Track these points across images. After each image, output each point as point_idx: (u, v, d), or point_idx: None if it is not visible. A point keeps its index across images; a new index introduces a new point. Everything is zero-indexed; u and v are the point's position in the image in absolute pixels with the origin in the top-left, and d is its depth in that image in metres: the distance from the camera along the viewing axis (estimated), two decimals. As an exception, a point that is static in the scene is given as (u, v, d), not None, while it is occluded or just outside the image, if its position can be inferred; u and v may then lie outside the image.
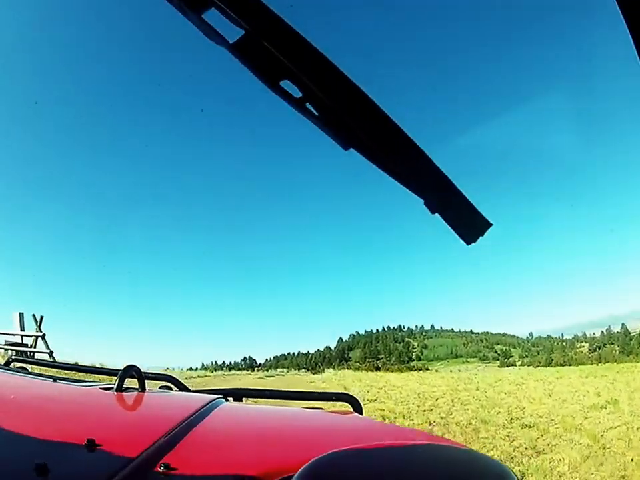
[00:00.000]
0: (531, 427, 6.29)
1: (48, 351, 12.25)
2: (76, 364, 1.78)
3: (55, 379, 1.05)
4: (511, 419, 6.78)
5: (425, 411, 7.55)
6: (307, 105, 0.54)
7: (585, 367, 16.97)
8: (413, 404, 8.22)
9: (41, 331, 12.50)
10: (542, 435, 5.84)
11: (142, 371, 0.95)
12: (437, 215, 0.57)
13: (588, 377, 11.93)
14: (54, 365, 1.78)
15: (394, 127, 0.54)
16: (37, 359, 2.51)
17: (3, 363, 1.36)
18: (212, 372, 24.78)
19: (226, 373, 24.38)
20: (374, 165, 0.56)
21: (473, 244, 0.58)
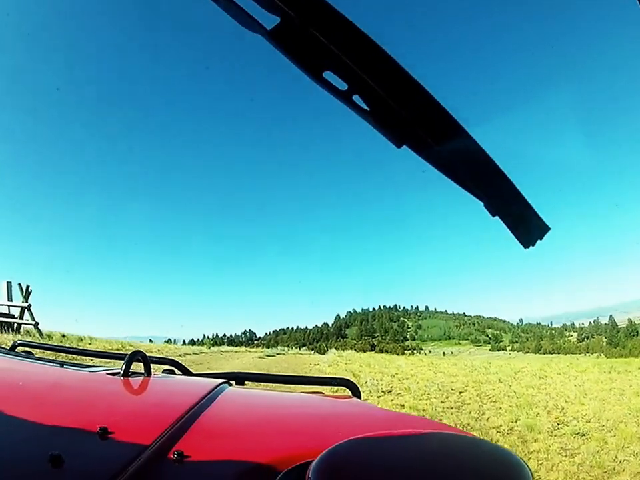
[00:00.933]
0: (584, 435, 5.35)
1: (33, 322, 11.55)
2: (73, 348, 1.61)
3: (62, 364, 1.05)
4: (557, 423, 5.84)
5: (451, 408, 6.61)
6: (355, 97, 0.49)
7: (604, 361, 16.12)
8: (435, 398, 7.29)
9: (27, 302, 11.67)
10: (602, 448, 4.90)
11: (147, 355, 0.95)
12: (496, 217, 0.55)
13: (611, 372, 11.08)
14: (59, 348, 1.65)
15: (453, 122, 0.50)
16: (42, 343, 2.31)
17: (8, 348, 1.33)
18: (208, 348, 23.87)
19: (223, 350, 23.31)
20: (429, 164, 0.52)
21: (531, 247, 0.56)
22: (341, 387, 1.21)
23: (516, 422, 5.84)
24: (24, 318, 11.56)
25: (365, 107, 0.50)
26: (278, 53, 0.47)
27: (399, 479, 0.39)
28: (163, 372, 1.21)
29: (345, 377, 1.24)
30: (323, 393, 1.13)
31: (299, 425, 0.72)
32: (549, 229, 0.56)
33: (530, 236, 0.56)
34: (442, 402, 7.03)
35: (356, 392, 1.14)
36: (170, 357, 1.41)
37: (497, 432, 5.47)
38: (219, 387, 0.86)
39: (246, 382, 1.23)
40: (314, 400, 0.99)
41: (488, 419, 6.06)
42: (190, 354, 14.25)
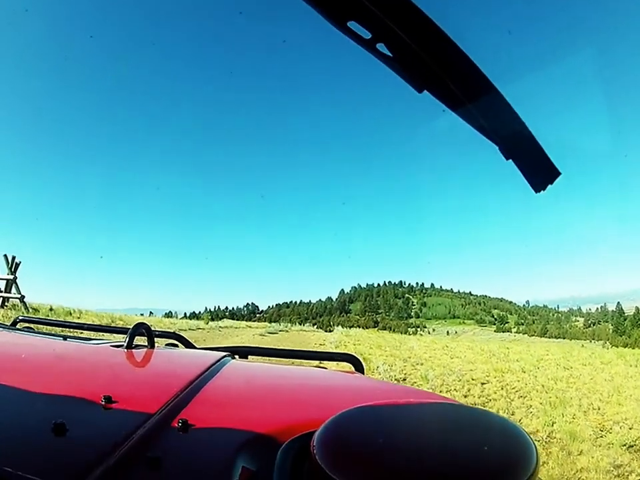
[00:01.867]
0: (631, 447, 4.61)
1: (19, 295, 10.99)
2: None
3: (65, 337, 1.06)
4: (600, 430, 5.11)
5: (476, 405, 5.89)
6: (378, 45, 0.51)
7: (627, 351, 15.33)
8: (456, 391, 6.60)
9: (13, 274, 11.06)
10: (660, 465, 4.15)
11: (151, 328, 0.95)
12: (510, 161, 0.57)
13: (637, 365, 10.31)
14: (61, 323, 1.62)
15: (473, 67, 0.51)
16: (43, 318, 1.76)
17: (9, 324, 1.34)
18: (206, 323, 22.97)
19: (222, 325, 22.38)
20: (447, 108, 0.54)
21: (542, 192, 0.58)
22: (345, 363, 1.22)
23: (552, 426, 5.13)
24: (11, 291, 10.99)
25: (389, 54, 0.52)
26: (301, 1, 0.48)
27: (402, 446, 0.39)
28: (166, 345, 1.24)
29: (348, 353, 1.27)
30: (326, 368, 1.15)
31: (302, 396, 0.72)
32: (560, 173, 0.57)
33: (541, 180, 0.58)
34: (464, 396, 6.34)
35: (359, 367, 1.17)
36: (174, 332, 1.42)
37: (535, 439, 4.76)
38: (223, 360, 0.87)
39: (249, 356, 1.25)
40: (317, 373, 1.01)
41: (520, 420, 5.35)
42: (185, 329, 13.63)
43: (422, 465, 0.36)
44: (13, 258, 11.31)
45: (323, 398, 0.72)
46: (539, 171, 0.57)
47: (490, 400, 6.21)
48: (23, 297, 10.97)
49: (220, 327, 20.79)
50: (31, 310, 10.86)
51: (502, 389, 6.93)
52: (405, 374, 7.77)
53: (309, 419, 0.53)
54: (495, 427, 0.42)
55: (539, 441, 4.71)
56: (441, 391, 6.47)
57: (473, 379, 7.53)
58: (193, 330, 14.10)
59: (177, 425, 0.50)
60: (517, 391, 6.78)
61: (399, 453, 0.38)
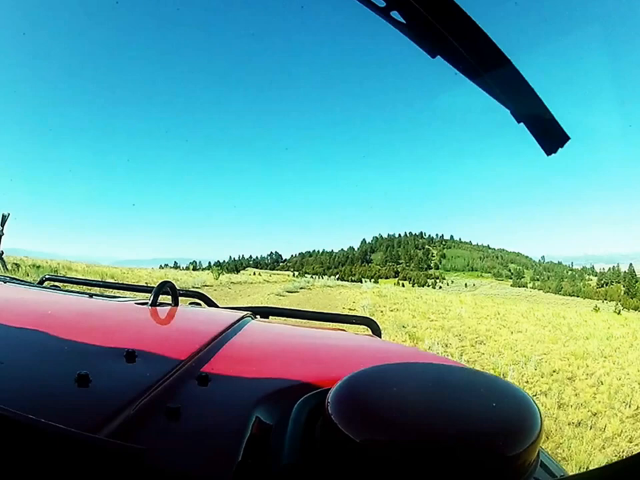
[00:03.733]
0: None
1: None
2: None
3: (90, 295, 1.08)
4: None
5: (577, 425, 4.42)
6: (392, 13, 0.54)
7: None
8: (545, 396, 5.16)
9: (1, 229, 9.89)
10: None
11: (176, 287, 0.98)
12: (521, 124, 0.59)
13: None
14: (87, 282, 1.59)
15: (482, 35, 0.54)
16: (69, 277, 1.73)
17: (37, 282, 1.41)
18: (216, 278, 20.44)
19: (234, 281, 20.09)
20: (460, 73, 0.56)
21: (553, 154, 0.60)
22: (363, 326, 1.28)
23: None
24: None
25: (403, 21, 0.54)
26: None
27: (411, 405, 0.40)
28: (189, 304, 1.28)
29: (366, 316, 1.33)
30: (345, 330, 1.14)
31: (319, 356, 0.74)
32: (569, 138, 0.59)
33: (552, 144, 0.59)
34: (558, 404, 4.87)
35: (377, 331, 1.22)
36: (198, 291, 1.48)
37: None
38: (244, 319, 0.89)
39: (270, 316, 1.29)
40: (335, 334, 1.00)
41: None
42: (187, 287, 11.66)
43: (428, 422, 0.37)
44: (3, 216, 10.14)
45: (338, 358, 0.74)
46: (549, 134, 0.59)
47: (594, 414, 4.74)
48: (1, 252, 9.99)
49: (232, 282, 18.28)
50: (11, 266, 9.78)
51: (595, 388, 5.51)
52: (469, 359, 6.49)
53: (325, 377, 0.55)
54: (501, 391, 0.43)
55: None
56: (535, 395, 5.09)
57: (554, 371, 6.18)
58: (197, 288, 11.34)
59: (196, 379, 0.52)
60: (618, 394, 5.31)
61: (407, 411, 0.39)
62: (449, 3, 0.51)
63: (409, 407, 0.39)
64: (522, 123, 0.59)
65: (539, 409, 0.40)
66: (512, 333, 9.07)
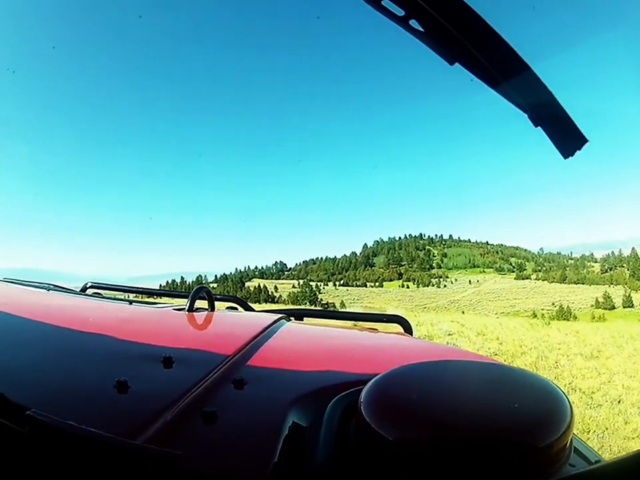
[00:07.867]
0: None
1: None
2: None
3: (130, 302, 1.10)
4: None
5: None
6: (411, 22, 0.54)
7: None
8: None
9: None
10: None
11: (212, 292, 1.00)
12: (539, 128, 0.58)
13: None
14: (126, 289, 1.65)
15: (499, 40, 0.54)
16: (111, 284, 1.66)
17: (79, 289, 1.42)
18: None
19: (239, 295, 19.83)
20: (478, 79, 0.56)
21: (570, 158, 0.59)
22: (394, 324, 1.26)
23: None
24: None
25: (421, 29, 0.54)
26: None
27: (444, 403, 0.40)
28: (226, 309, 1.31)
29: (397, 314, 1.30)
30: (376, 329, 1.15)
31: (352, 355, 0.74)
32: (587, 140, 0.58)
33: (570, 147, 0.59)
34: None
35: (407, 328, 1.22)
36: (234, 296, 1.58)
37: None
38: (279, 322, 0.91)
39: (304, 318, 1.31)
40: (367, 334, 1.02)
41: None
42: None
43: (462, 420, 0.38)
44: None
45: (371, 357, 0.75)
46: (567, 137, 0.59)
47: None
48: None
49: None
50: None
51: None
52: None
53: (358, 377, 0.55)
54: (533, 386, 0.43)
55: None
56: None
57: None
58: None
59: (232, 382, 0.52)
60: None
61: (440, 410, 0.39)
62: (467, 10, 0.52)
63: (441, 405, 0.40)
64: (539, 127, 0.59)
65: (568, 400, 0.41)
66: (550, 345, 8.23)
